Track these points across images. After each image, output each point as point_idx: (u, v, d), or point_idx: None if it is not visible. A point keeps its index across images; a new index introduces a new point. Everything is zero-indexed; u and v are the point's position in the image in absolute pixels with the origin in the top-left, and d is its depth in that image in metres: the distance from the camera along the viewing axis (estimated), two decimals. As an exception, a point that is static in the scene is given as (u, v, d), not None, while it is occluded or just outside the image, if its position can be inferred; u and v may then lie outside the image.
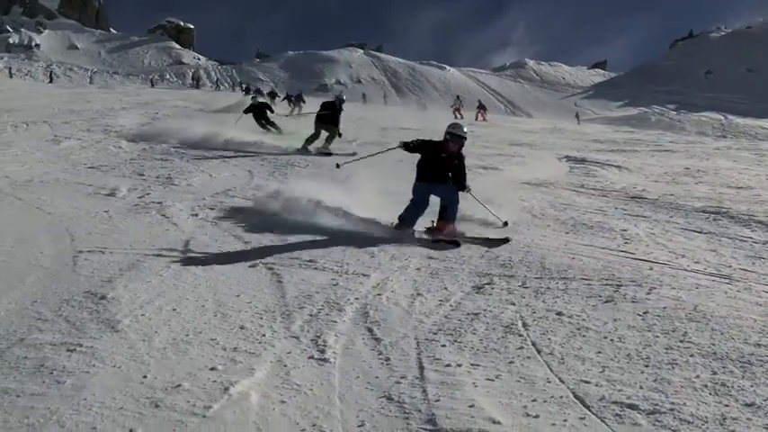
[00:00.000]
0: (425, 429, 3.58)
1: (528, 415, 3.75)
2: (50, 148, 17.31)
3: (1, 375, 4.13)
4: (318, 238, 8.07)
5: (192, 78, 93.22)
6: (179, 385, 4.02)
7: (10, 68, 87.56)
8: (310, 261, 6.94)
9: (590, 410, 3.77)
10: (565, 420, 3.68)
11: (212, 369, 4.25)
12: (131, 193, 11.11)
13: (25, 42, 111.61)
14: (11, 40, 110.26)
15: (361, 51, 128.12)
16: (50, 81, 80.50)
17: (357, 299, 5.75)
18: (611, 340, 4.76)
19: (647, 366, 4.32)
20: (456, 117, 37.60)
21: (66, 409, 3.71)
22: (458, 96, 56.51)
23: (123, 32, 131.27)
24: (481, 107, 49.33)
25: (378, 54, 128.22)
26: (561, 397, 3.94)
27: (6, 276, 6.28)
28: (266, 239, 7.97)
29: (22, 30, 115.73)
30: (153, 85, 63.55)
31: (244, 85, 52.96)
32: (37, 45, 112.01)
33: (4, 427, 3.54)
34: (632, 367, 4.32)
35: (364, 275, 6.48)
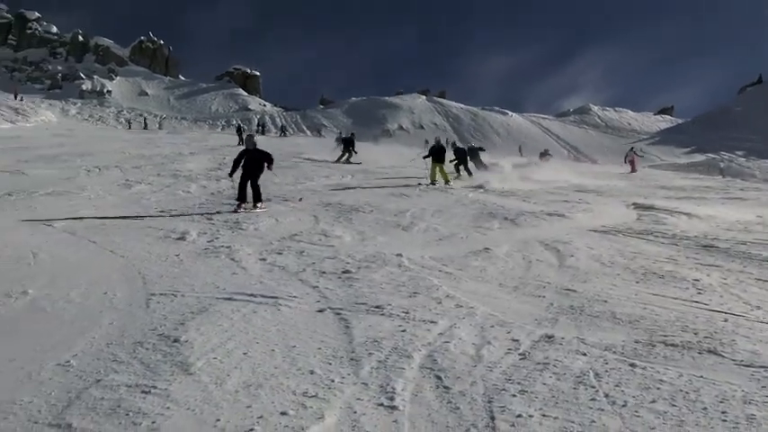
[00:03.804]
0: (496, 479, 3.56)
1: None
2: (122, 191, 17.72)
3: (79, 416, 4.22)
4: (384, 284, 8.09)
5: (258, 124, 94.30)
6: (251, 429, 4.05)
7: (146, 119, 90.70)
8: (377, 307, 6.93)
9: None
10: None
11: (283, 414, 4.28)
12: (201, 237, 11.32)
13: (98, 89, 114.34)
14: (84, 87, 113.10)
15: (424, 97, 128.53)
16: (129, 128, 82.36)
17: (424, 345, 5.75)
18: (686, 393, 4.68)
19: (724, 421, 4.24)
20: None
21: (142, 451, 3.78)
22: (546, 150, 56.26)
23: (192, 79, 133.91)
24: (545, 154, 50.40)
25: (440, 100, 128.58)
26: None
27: (82, 318, 6.44)
28: (333, 284, 8.02)
29: (95, 77, 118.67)
30: (241, 132, 61.43)
31: (341, 134, 54.98)
32: (108, 91, 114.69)
33: (82, 468, 3.61)
34: (709, 421, 4.25)
35: (431, 322, 6.46)
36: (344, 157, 34.17)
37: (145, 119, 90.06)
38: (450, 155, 28.65)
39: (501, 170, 30.32)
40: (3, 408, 4.36)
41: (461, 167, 28.67)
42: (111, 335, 5.93)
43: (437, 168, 24.81)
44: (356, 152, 35.11)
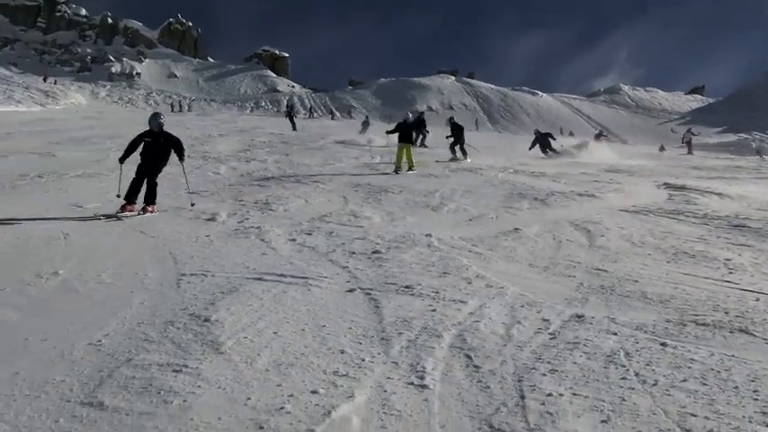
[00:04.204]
0: (528, 458, 3.55)
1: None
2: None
3: (111, 394, 4.25)
4: (414, 264, 8.08)
5: (287, 106, 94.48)
6: (282, 408, 4.07)
7: (181, 102, 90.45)
8: (407, 287, 6.93)
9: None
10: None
11: (313, 392, 4.30)
12: (231, 218, 11.36)
13: (127, 71, 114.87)
14: (113, 69, 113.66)
15: (453, 78, 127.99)
16: (172, 110, 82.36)
17: (454, 325, 5.74)
18: (718, 372, 4.65)
19: (756, 400, 4.20)
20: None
21: (174, 429, 3.80)
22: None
23: (220, 61, 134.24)
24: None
25: (469, 80, 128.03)
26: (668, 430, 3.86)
27: (113, 298, 6.49)
28: (363, 264, 8.02)
29: (124, 59, 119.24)
30: (293, 115, 56.38)
31: (367, 118, 54.92)
32: (138, 74, 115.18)
33: (115, 445, 3.64)
34: (740, 399, 4.21)
35: (461, 302, 6.45)
36: (419, 140, 33.31)
37: (180, 102, 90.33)
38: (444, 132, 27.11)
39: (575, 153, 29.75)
40: (35, 386, 4.40)
41: (457, 147, 26.07)
42: (142, 314, 5.97)
43: (404, 151, 21.13)
44: (428, 131, 34.13)
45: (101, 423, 3.89)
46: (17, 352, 5.06)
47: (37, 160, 21.21)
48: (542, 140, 30.71)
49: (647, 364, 4.79)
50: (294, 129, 44.66)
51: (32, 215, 11.22)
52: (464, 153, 26.17)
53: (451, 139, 26.47)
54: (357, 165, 22.72)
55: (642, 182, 18.26)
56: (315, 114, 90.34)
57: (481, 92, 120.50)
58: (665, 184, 17.31)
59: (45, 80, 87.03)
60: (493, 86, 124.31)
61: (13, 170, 18.28)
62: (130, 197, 12.17)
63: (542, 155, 29.82)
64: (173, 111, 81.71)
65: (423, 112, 33.47)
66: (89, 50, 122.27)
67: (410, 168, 20.80)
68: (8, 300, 6.47)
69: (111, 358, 4.88)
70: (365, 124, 47.68)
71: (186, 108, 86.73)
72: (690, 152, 42.28)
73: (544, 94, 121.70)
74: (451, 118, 28.78)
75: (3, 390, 4.36)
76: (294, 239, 9.57)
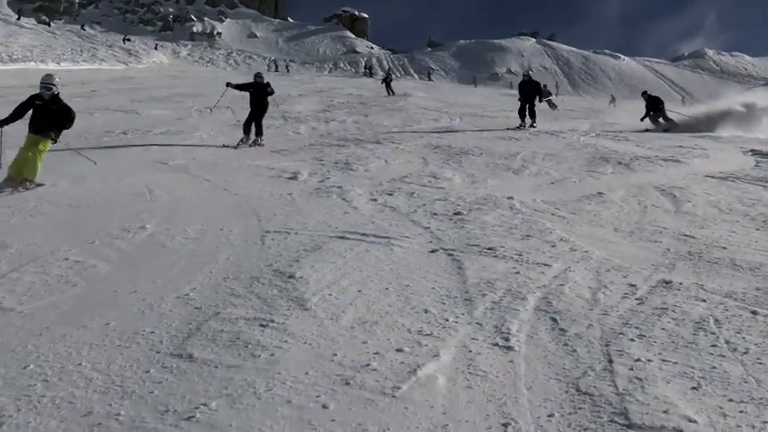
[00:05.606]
0: (617, 423, 3.50)
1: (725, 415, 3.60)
2: (234, 132, 18.00)
3: (200, 347, 4.32)
4: (496, 226, 8.02)
5: (365, 67, 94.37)
6: (368, 365, 4.08)
7: (276, 62, 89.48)
8: (490, 249, 6.88)
9: (792, 414, 3.59)
10: (765, 422, 3.51)
11: (399, 350, 4.30)
12: (312, 177, 11.44)
13: (208, 31, 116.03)
14: (195, 29, 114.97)
15: (534, 40, 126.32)
16: (277, 69, 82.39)
17: (539, 288, 5.68)
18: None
19: None
20: None
21: (262, 382, 3.84)
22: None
23: (300, 21, 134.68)
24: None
25: (550, 43, 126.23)
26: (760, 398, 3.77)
27: (200, 253, 6.60)
28: (444, 225, 7.99)
29: (205, 19, 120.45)
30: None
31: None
32: (218, 33, 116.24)
33: (205, 396, 3.69)
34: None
35: (545, 265, 6.38)
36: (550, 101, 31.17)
37: (275, 61, 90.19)
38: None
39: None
40: (126, 337, 4.50)
41: (251, 125, 17.68)
42: (227, 270, 6.05)
43: (29, 149, 10.51)
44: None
45: (190, 374, 3.96)
46: (107, 303, 5.18)
47: (121, 118, 21.66)
48: (654, 106, 24.87)
49: (738, 332, 4.68)
50: (390, 93, 42.15)
51: (118, 171, 11.44)
52: (259, 131, 17.50)
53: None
54: (437, 127, 22.64)
55: (728, 148, 17.77)
56: (394, 76, 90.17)
57: (562, 55, 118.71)
58: (751, 150, 16.82)
59: (125, 42, 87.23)
60: (574, 49, 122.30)
61: (99, 127, 18.72)
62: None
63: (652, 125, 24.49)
64: (269, 70, 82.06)
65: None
66: (171, 10, 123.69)
67: (24, 181, 10.35)
68: (98, 252, 6.63)
69: (199, 311, 4.96)
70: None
71: (266, 68, 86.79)
72: None
73: (626, 58, 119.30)
74: (258, 74, 20.59)
75: (95, 340, 4.47)
76: (375, 199, 9.58)
